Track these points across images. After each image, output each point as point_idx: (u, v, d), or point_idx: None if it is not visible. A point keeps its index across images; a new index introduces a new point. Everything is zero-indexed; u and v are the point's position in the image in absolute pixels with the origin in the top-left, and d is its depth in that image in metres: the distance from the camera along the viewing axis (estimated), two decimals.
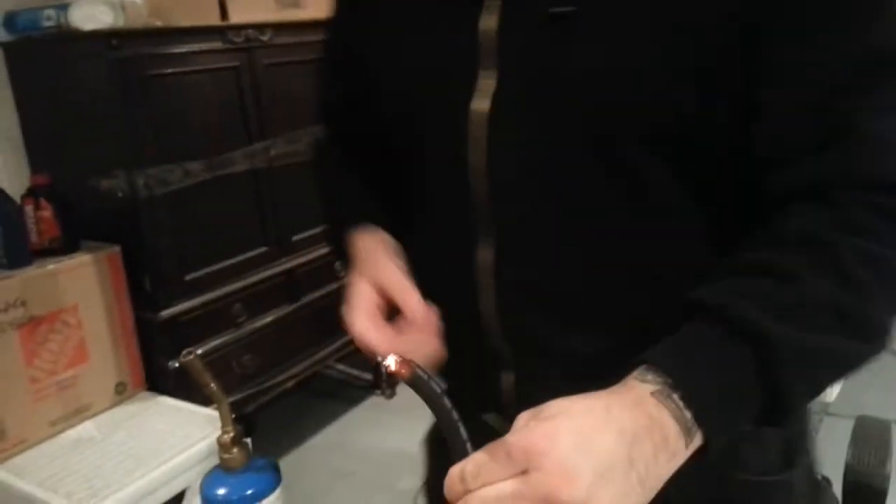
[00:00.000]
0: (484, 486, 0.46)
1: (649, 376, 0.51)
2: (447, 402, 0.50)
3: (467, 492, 0.46)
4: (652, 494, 0.49)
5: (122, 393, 1.94)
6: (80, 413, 1.85)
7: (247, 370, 2.16)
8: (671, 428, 0.49)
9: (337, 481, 2.39)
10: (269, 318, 2.22)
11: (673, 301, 0.56)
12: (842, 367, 0.56)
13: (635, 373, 0.51)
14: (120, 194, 1.90)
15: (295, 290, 2.31)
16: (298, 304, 2.31)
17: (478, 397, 0.72)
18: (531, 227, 0.65)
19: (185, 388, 2.01)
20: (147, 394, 1.99)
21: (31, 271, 1.75)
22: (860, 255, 0.54)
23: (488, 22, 0.63)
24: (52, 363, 1.78)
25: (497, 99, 0.63)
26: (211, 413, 1.87)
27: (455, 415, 0.50)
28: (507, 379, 0.71)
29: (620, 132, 0.61)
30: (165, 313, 1.97)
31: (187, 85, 1.96)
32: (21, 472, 1.66)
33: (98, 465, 1.67)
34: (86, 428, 1.84)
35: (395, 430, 2.66)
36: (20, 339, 1.71)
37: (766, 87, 0.58)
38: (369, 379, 2.96)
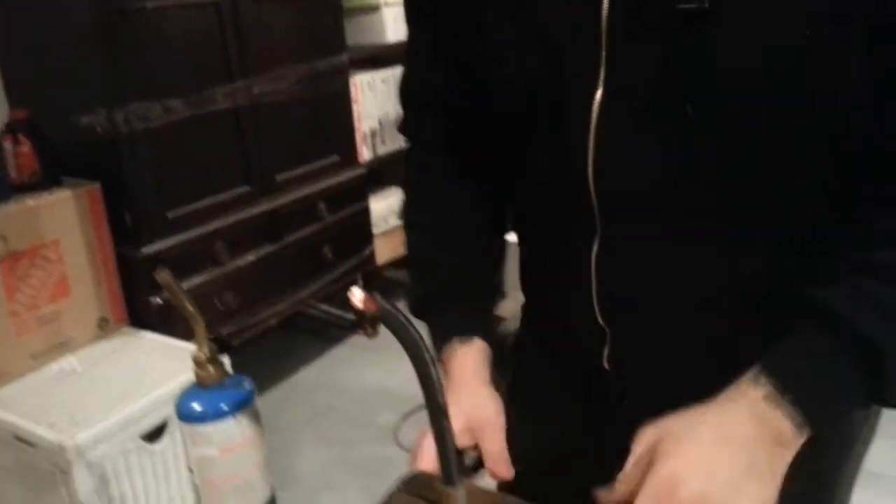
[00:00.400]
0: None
1: (762, 380, 0.56)
2: (416, 333, 0.52)
3: None
4: (779, 479, 0.56)
5: (104, 328, 1.96)
6: (62, 347, 1.87)
7: (229, 307, 2.18)
8: (785, 427, 0.55)
9: (318, 416, 2.44)
10: (250, 258, 2.23)
11: (765, 310, 0.62)
12: None
13: (749, 376, 0.57)
14: (100, 130, 1.88)
15: (277, 230, 2.31)
16: (281, 243, 2.33)
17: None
18: (637, 224, 0.66)
19: (168, 323, 2.03)
20: (130, 329, 2.01)
21: (11, 206, 1.75)
22: None
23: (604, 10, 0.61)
24: (33, 298, 1.79)
25: (610, 95, 0.62)
26: (193, 347, 1.88)
27: (424, 346, 0.52)
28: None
29: (775, 137, 0.59)
30: (147, 250, 1.97)
31: (168, 20, 1.93)
32: (4, 404, 1.68)
33: (80, 397, 1.69)
34: (68, 362, 1.86)
35: (376, 368, 2.70)
36: (1, 273, 1.71)
37: None
38: (352, 318, 2.98)
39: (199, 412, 0.67)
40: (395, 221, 2.95)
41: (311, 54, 2.33)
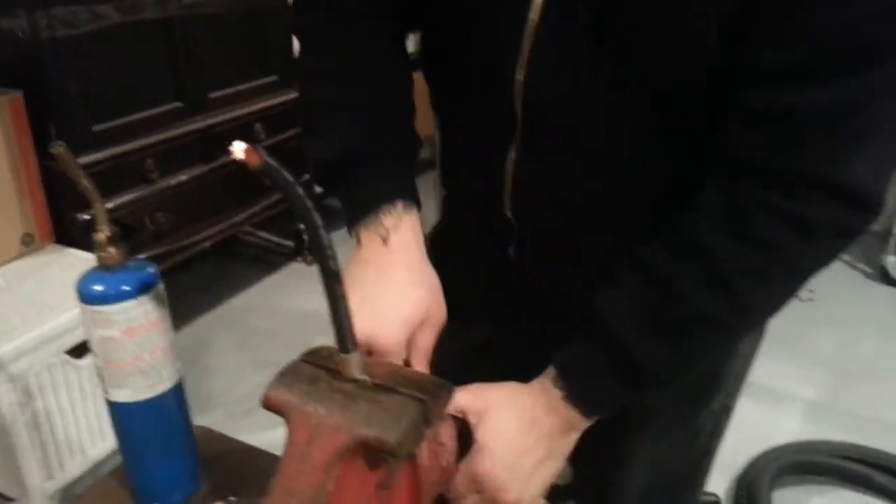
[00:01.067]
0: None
1: (560, 382, 0.67)
2: (300, 189, 0.51)
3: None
4: (567, 453, 0.70)
5: (29, 244, 1.91)
6: None
7: (161, 227, 2.13)
8: (577, 418, 0.67)
9: (255, 338, 2.44)
10: (183, 177, 2.18)
11: (664, 211, 0.64)
12: (709, 357, 0.72)
13: (550, 377, 0.68)
14: (21, 34, 1.79)
15: (211, 149, 2.26)
16: (215, 164, 2.27)
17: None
18: (557, 133, 0.68)
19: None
20: (56, 246, 1.95)
21: None
22: (738, 267, 0.60)
23: None
24: None
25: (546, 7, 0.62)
26: None
27: (308, 202, 0.51)
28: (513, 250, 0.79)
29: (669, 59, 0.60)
30: None
31: None
32: None
33: (3, 312, 1.65)
34: None
35: (315, 294, 2.67)
36: None
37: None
38: (291, 245, 2.97)
39: (100, 293, 0.66)
40: None
41: None
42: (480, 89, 0.71)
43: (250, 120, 2.38)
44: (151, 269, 0.69)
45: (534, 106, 0.67)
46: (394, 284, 0.68)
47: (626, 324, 0.64)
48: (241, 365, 2.30)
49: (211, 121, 2.24)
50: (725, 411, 0.88)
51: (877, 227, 3.21)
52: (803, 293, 2.69)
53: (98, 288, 0.66)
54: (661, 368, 0.65)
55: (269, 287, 2.78)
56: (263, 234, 3.09)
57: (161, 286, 0.69)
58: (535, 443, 0.67)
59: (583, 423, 0.68)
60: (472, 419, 0.67)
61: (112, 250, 0.67)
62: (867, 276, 2.85)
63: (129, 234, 0.66)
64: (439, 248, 0.80)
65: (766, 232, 0.59)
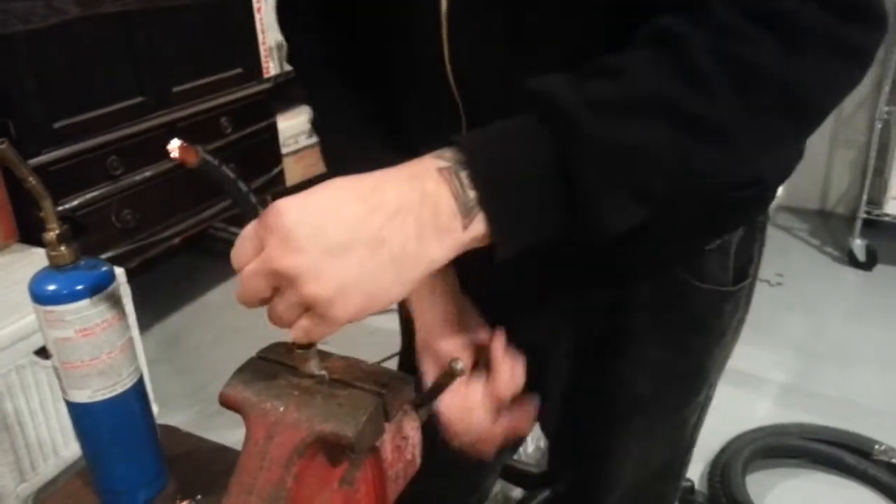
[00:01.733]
0: (243, 263, 0.48)
1: (447, 153, 0.49)
2: (243, 185, 0.50)
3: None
4: (414, 274, 0.48)
5: None
6: None
7: (127, 225, 2.10)
8: (446, 205, 0.48)
9: (227, 335, 2.41)
10: (148, 173, 2.14)
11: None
12: (666, 165, 0.50)
13: (437, 150, 0.50)
14: None
15: None
16: None
17: None
18: (494, 104, 0.55)
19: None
20: (19, 245, 1.92)
21: None
22: (711, 50, 0.48)
23: None
24: None
25: None
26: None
27: (253, 197, 0.51)
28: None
29: None
30: (34, 162, 1.86)
31: None
32: None
33: None
34: None
35: None
36: None
37: None
38: None
39: (52, 292, 0.65)
40: (305, 141, 2.88)
41: None
42: (420, 90, 0.71)
43: (216, 114, 2.34)
44: (105, 268, 0.67)
45: (467, 85, 0.66)
46: None
47: (556, 91, 0.49)
48: (216, 361, 2.28)
49: (176, 115, 2.20)
50: (708, 401, 0.88)
51: (842, 209, 3.27)
52: (772, 277, 2.70)
53: (50, 287, 0.65)
54: (599, 150, 0.48)
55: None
56: (234, 230, 3.05)
57: (116, 285, 0.68)
58: (366, 213, 0.46)
59: (455, 220, 0.48)
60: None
61: (63, 249, 0.65)
62: (835, 259, 2.88)
63: (80, 232, 0.65)
64: None
65: (743, 26, 0.49)
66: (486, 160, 0.49)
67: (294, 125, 2.81)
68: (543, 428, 0.93)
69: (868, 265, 2.79)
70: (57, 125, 1.90)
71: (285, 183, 2.74)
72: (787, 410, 2.07)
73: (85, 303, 0.65)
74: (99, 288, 0.66)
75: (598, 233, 0.50)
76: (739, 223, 0.76)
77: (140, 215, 2.13)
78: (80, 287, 0.65)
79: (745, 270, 0.80)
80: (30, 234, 1.92)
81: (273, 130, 2.62)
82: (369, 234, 0.46)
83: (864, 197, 2.82)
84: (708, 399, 0.88)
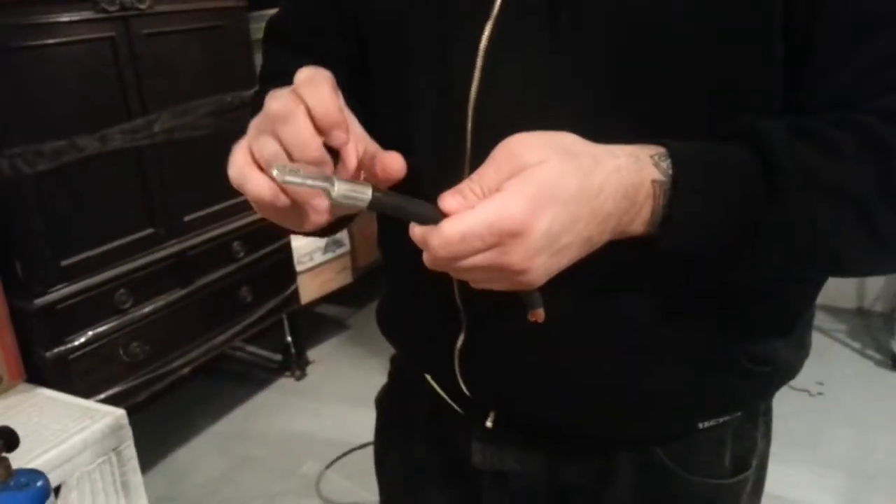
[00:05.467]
0: (465, 251, 0.49)
1: (664, 164, 0.52)
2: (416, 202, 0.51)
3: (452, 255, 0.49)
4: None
5: None
6: None
7: (136, 358, 2.06)
8: (643, 219, 0.53)
9: (238, 468, 2.32)
10: (159, 303, 2.11)
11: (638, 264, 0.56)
12: (832, 253, 0.56)
13: (653, 153, 0.52)
14: None
15: (187, 273, 2.20)
16: (191, 287, 2.21)
17: (430, 357, 0.74)
18: None
19: (65, 377, 1.91)
20: (25, 385, 1.87)
21: None
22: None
23: None
24: None
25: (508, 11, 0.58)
26: (89, 405, 1.78)
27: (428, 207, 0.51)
28: (461, 339, 0.68)
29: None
30: (40, 301, 1.85)
31: (57, 57, 1.82)
32: None
33: None
34: None
35: (301, 413, 2.59)
36: None
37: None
38: (279, 360, 2.88)
39: None
40: (320, 258, 2.86)
41: (219, 89, 2.24)
42: (429, 119, 0.64)
43: (227, 239, 2.33)
44: (40, 482, 0.61)
45: (485, 127, 0.60)
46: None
47: (777, 134, 0.53)
48: (227, 499, 2.18)
49: (186, 244, 2.19)
50: None
51: (881, 307, 3.12)
52: (812, 387, 2.56)
53: None
54: (795, 208, 0.53)
55: (254, 409, 2.66)
56: (252, 349, 3.01)
57: (53, 499, 0.61)
58: (589, 218, 0.50)
59: (632, 228, 0.53)
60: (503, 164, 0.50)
61: None
62: (878, 363, 2.73)
63: (13, 444, 0.59)
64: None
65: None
66: (693, 191, 0.52)
67: (309, 242, 2.79)
68: None
69: None
70: (65, 262, 1.89)
71: (300, 300, 2.70)
72: None
73: None
74: None
75: (744, 275, 0.57)
76: (739, 400, 0.69)
77: (149, 347, 2.09)
78: None
79: (746, 460, 0.71)
80: (35, 373, 1.89)
81: (287, 250, 2.61)
82: (584, 238, 0.51)
83: None
84: None
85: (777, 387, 0.70)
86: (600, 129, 0.53)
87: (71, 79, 1.86)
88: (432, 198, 0.51)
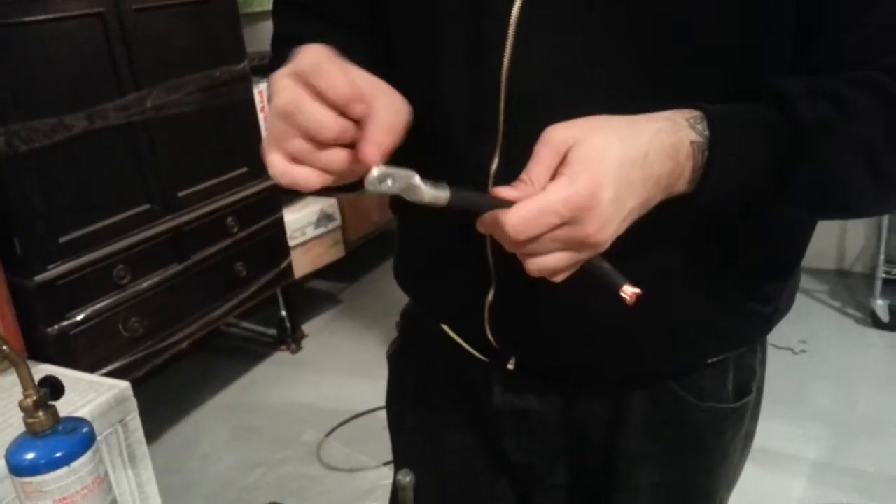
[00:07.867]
0: (544, 227, 0.52)
1: (699, 126, 0.56)
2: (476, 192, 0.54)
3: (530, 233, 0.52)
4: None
5: (0, 363, 1.85)
6: None
7: (135, 333, 2.09)
8: (686, 177, 0.56)
9: (240, 438, 2.36)
10: (156, 279, 2.14)
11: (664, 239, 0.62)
12: (846, 198, 0.61)
13: (689, 116, 0.56)
14: None
15: (183, 248, 2.23)
16: (188, 262, 2.24)
17: (457, 311, 0.77)
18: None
19: (67, 353, 1.94)
20: (29, 363, 1.90)
21: None
22: None
23: None
24: None
25: None
26: (94, 378, 1.80)
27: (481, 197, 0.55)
28: (490, 294, 0.71)
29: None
30: (40, 278, 1.87)
31: (48, 34, 1.83)
32: None
33: None
34: None
35: (299, 385, 2.64)
36: None
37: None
38: (273, 334, 2.91)
39: (30, 462, 0.62)
40: (312, 232, 2.89)
41: (209, 63, 2.25)
42: (458, 90, 0.66)
43: (222, 214, 2.36)
44: (86, 429, 0.65)
45: (520, 99, 0.63)
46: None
47: (798, 90, 0.57)
48: (229, 467, 2.22)
49: (181, 219, 2.21)
50: None
51: (860, 268, 3.20)
52: (795, 345, 2.63)
53: (28, 457, 0.62)
54: (817, 163, 0.57)
55: (252, 382, 2.71)
56: (246, 324, 3.04)
57: (97, 444, 0.65)
58: (643, 181, 0.54)
59: (677, 187, 0.57)
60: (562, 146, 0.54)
61: (41, 415, 0.62)
62: (858, 321, 2.81)
63: (59, 393, 0.62)
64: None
65: None
66: (730, 151, 0.56)
67: (301, 217, 2.82)
68: None
69: (893, 326, 2.72)
70: (63, 239, 1.91)
71: (293, 275, 2.73)
72: (823, 490, 1.98)
73: (64, 471, 0.62)
74: (79, 451, 0.63)
75: (775, 211, 0.62)
76: (744, 336, 0.74)
77: (148, 322, 2.12)
78: (59, 454, 0.62)
79: (746, 386, 0.77)
80: (37, 349, 1.91)
81: (280, 225, 2.63)
82: (644, 199, 0.55)
83: (882, 257, 2.77)
84: None
85: (776, 322, 0.75)
86: (632, 97, 0.57)
87: (62, 55, 1.87)
88: (464, 163, 0.55)
